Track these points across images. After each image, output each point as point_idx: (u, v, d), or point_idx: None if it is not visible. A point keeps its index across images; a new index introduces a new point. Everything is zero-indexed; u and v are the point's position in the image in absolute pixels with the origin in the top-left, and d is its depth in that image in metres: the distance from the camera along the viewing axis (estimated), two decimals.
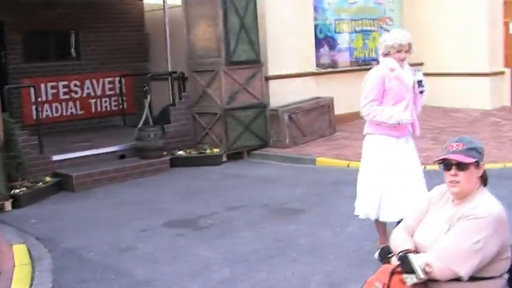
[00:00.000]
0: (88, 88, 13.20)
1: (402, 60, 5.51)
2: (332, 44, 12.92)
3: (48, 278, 5.67)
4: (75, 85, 13.03)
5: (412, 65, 5.76)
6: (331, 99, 12.01)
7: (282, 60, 11.69)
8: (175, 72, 12.06)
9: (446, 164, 3.11)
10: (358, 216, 5.85)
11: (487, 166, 3.28)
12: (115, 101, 13.55)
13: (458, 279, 2.95)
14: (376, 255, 3.40)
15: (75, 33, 13.34)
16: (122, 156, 10.40)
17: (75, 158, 9.92)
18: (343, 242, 6.17)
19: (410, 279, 2.97)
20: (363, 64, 13.29)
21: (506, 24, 14.14)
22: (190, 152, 10.80)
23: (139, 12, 14.04)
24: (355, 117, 12.45)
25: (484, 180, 3.16)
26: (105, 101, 13.48)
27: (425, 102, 5.73)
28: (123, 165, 9.90)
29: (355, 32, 13.34)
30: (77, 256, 6.26)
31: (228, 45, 10.65)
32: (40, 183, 8.93)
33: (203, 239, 6.58)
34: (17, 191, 8.48)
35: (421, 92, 5.57)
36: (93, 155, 10.14)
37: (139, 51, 13.88)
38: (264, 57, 11.32)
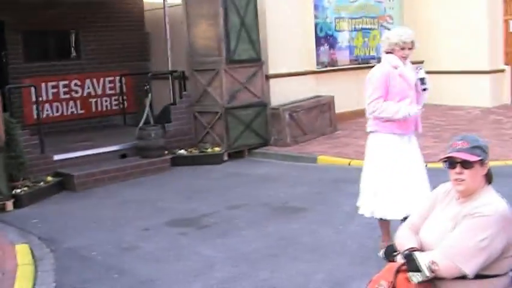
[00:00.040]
0: (88, 87, 13.20)
1: (405, 57, 5.51)
2: (332, 42, 12.91)
3: (51, 278, 5.68)
4: (76, 84, 13.03)
5: (412, 63, 5.75)
6: (332, 98, 12.02)
7: (282, 58, 11.68)
8: (175, 71, 12.06)
9: (451, 162, 3.11)
10: (363, 215, 5.83)
11: None
12: (115, 100, 13.55)
13: (463, 277, 2.95)
14: (382, 253, 3.40)
15: (75, 33, 13.34)
16: (123, 156, 10.40)
17: (76, 157, 9.92)
18: (346, 240, 6.17)
19: (416, 277, 2.96)
20: (363, 62, 13.32)
21: (506, 22, 14.16)
22: (191, 151, 10.80)
23: (139, 11, 14.03)
24: (355, 116, 12.50)
25: (488, 178, 3.16)
26: (106, 101, 13.48)
27: (426, 100, 5.72)
28: (124, 165, 9.90)
29: (356, 30, 13.34)
30: (79, 256, 6.25)
31: (229, 44, 10.65)
32: (41, 183, 8.92)
33: (205, 238, 6.58)
34: (19, 191, 8.47)
35: (424, 90, 5.55)
36: (94, 154, 10.14)
37: (140, 50, 13.88)
38: (265, 56, 11.32)
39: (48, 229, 7.25)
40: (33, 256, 6.15)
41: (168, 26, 12.29)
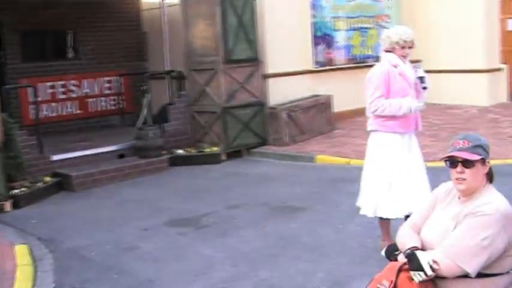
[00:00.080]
0: (86, 87, 13.17)
1: (405, 56, 5.52)
2: (330, 41, 12.91)
3: (50, 279, 5.67)
4: (73, 84, 13.01)
5: (410, 62, 5.75)
6: (330, 97, 12.02)
7: (280, 58, 11.68)
8: (173, 71, 12.06)
9: (453, 162, 3.12)
10: (365, 215, 5.83)
11: None
12: (113, 100, 13.53)
13: (465, 276, 2.96)
14: (383, 252, 3.41)
15: (73, 33, 13.31)
16: (121, 156, 10.39)
17: (75, 157, 9.92)
18: (345, 240, 6.18)
19: (417, 276, 2.97)
20: (361, 62, 13.32)
21: (503, 21, 14.18)
22: (189, 151, 10.80)
23: (137, 11, 14.01)
24: (353, 115, 12.51)
25: (490, 177, 3.17)
26: (104, 101, 13.45)
27: (426, 99, 5.72)
28: (122, 165, 9.89)
29: (353, 29, 13.34)
30: (78, 256, 6.25)
31: (227, 43, 10.65)
32: (40, 183, 8.92)
33: (205, 238, 6.58)
34: (17, 191, 8.47)
35: (424, 89, 5.56)
36: (92, 154, 10.13)
37: (137, 50, 13.86)
38: (263, 56, 11.32)
39: (47, 229, 7.24)
40: (33, 256, 6.14)
41: (165, 26, 12.27)
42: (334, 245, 6.05)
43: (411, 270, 3.01)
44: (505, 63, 13.97)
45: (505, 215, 2.98)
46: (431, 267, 2.96)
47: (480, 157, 3.08)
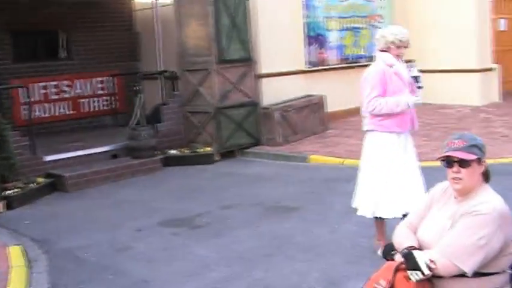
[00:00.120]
0: (79, 88, 13.14)
1: (400, 56, 5.53)
2: (323, 41, 12.93)
3: (45, 280, 5.66)
4: (66, 85, 12.97)
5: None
6: (323, 97, 12.04)
7: (273, 58, 11.69)
8: (166, 71, 12.04)
9: (449, 161, 3.13)
10: (357, 214, 5.84)
11: None
12: (106, 100, 13.50)
13: (462, 276, 2.97)
14: (380, 252, 3.41)
15: (65, 33, 13.26)
16: (114, 156, 10.37)
17: (68, 158, 9.88)
18: (340, 239, 6.19)
19: (414, 275, 2.98)
20: (354, 62, 13.36)
21: (494, 21, 14.25)
22: (182, 151, 10.78)
23: (129, 11, 13.98)
24: (346, 115, 12.55)
25: (486, 176, 3.19)
26: (97, 101, 13.43)
27: (421, 98, 5.72)
28: (115, 165, 9.87)
29: (346, 29, 13.36)
30: (73, 257, 6.23)
31: (220, 43, 10.64)
32: (33, 184, 8.88)
33: (199, 238, 6.57)
34: (10, 192, 8.43)
35: (419, 88, 5.57)
36: (85, 155, 10.10)
37: (130, 50, 13.83)
38: (256, 56, 11.33)
39: (41, 230, 7.22)
40: (27, 258, 6.11)
41: (158, 26, 12.25)
42: (329, 245, 6.06)
43: (408, 269, 3.02)
44: (497, 63, 14.03)
45: (501, 214, 2.99)
46: (428, 266, 2.97)
47: (476, 157, 3.10)
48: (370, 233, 5.91)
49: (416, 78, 5.54)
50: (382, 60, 5.54)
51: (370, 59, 11.54)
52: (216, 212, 7.56)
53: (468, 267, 2.94)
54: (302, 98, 11.94)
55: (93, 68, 13.22)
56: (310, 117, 11.73)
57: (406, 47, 5.52)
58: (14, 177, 8.71)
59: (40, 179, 9.11)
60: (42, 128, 11.77)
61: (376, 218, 5.68)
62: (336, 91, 12.50)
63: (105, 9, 13.43)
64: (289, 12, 12.10)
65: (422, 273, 2.97)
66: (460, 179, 3.09)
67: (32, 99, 11.76)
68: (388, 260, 3.26)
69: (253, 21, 11.23)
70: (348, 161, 9.36)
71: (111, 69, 13.23)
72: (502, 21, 14.71)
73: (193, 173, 9.90)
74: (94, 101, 13.38)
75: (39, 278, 5.68)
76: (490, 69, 13.84)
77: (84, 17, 13.09)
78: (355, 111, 11.85)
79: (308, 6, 12.55)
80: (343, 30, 13.31)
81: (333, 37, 13.12)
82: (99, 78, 13.39)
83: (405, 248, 3.13)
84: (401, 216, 5.27)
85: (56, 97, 12.84)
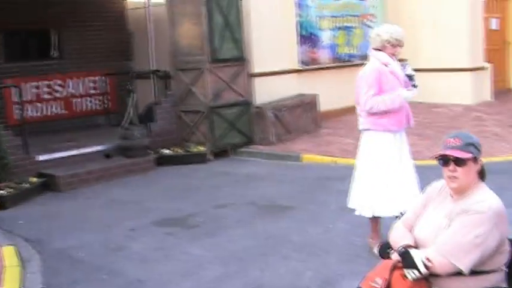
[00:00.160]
0: (71, 87, 13.09)
1: (394, 54, 5.55)
2: (315, 40, 12.94)
3: (39, 280, 5.63)
4: (58, 84, 12.92)
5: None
6: (316, 96, 12.05)
7: (266, 57, 11.68)
8: (159, 71, 12.01)
9: (445, 160, 3.13)
10: (355, 213, 5.85)
11: None
12: (99, 100, 13.46)
13: (459, 274, 2.98)
14: (376, 250, 3.42)
15: (57, 33, 13.22)
16: (107, 156, 10.33)
17: (61, 158, 9.84)
18: (334, 238, 6.20)
19: (411, 274, 2.98)
20: (346, 61, 13.38)
21: (486, 20, 14.29)
22: (176, 151, 10.76)
23: (122, 10, 13.94)
24: (339, 114, 12.56)
25: (482, 175, 3.20)
26: (89, 101, 13.39)
27: (414, 97, 5.72)
28: (109, 165, 9.85)
29: (338, 28, 13.38)
30: (67, 257, 6.21)
31: (213, 43, 10.63)
32: (26, 184, 8.83)
33: (194, 238, 6.57)
34: (3, 192, 8.38)
35: (414, 86, 5.59)
36: (78, 154, 10.07)
37: (123, 50, 13.78)
38: (249, 55, 11.32)
39: (35, 230, 7.18)
40: (20, 258, 6.08)
41: (151, 25, 12.23)
42: (323, 244, 6.07)
43: (405, 267, 3.02)
44: (488, 62, 14.08)
45: (497, 212, 3.00)
46: (424, 264, 2.98)
47: (472, 155, 3.11)
48: (364, 232, 5.92)
49: (410, 77, 5.56)
50: (377, 59, 5.54)
51: (363, 58, 11.53)
52: (210, 211, 7.55)
53: (464, 266, 2.95)
54: (295, 97, 11.95)
55: (85, 67, 13.17)
56: (303, 116, 11.73)
57: (401, 46, 5.53)
58: (7, 177, 8.67)
59: (33, 179, 9.07)
60: (35, 127, 11.71)
61: (373, 216, 5.69)
62: (328, 90, 12.52)
63: (98, 9, 13.38)
64: (282, 12, 12.10)
65: (419, 272, 2.98)
66: (456, 177, 3.10)
67: (24, 99, 11.71)
68: (384, 258, 3.27)
69: (246, 21, 11.23)
70: (341, 160, 9.39)
71: (104, 69, 13.19)
72: (494, 20, 14.77)
73: (187, 173, 9.89)
74: (87, 101, 13.34)
75: (33, 278, 5.66)
76: (482, 68, 13.89)
77: (77, 16, 13.04)
78: (348, 110, 11.89)
79: (301, 5, 12.56)
80: (335, 29, 13.33)
81: (325, 36, 13.13)
82: (92, 78, 13.35)
83: (402, 247, 3.14)
84: (396, 215, 5.28)
85: (49, 97, 12.80)
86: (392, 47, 5.50)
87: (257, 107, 11.27)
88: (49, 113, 12.80)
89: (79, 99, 13.21)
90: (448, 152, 3.11)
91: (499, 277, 3.06)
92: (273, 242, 6.25)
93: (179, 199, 8.28)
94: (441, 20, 13.74)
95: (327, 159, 9.78)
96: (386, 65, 5.49)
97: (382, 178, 5.54)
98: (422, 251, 3.07)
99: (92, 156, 10.12)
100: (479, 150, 3.16)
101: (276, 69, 11.93)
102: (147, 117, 11.28)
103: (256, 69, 11.55)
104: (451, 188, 3.16)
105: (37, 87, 12.61)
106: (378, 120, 5.52)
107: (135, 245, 6.47)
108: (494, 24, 14.77)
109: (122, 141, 10.25)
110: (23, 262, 5.99)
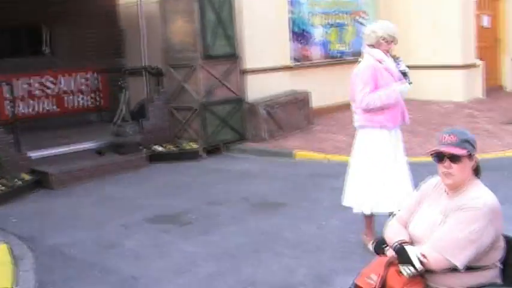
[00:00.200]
0: (63, 84, 13.03)
1: (388, 51, 5.56)
2: (308, 37, 12.95)
3: (32, 277, 5.60)
4: (49, 81, 12.86)
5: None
6: (308, 93, 12.06)
7: (258, 54, 11.69)
8: (151, 67, 11.98)
9: (440, 156, 3.14)
10: (345, 210, 5.86)
11: None
12: (91, 97, 13.41)
13: (454, 270, 2.99)
14: (371, 247, 3.43)
15: (49, 29, 13.15)
16: (100, 153, 10.30)
17: (53, 155, 9.82)
18: (328, 235, 6.20)
19: (406, 270, 3.00)
20: (338, 58, 13.40)
21: (478, 17, 14.34)
22: (168, 148, 10.75)
23: (114, 7, 13.89)
24: (331, 111, 12.59)
25: (477, 171, 3.20)
26: (81, 97, 13.33)
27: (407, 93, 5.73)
28: (101, 162, 9.82)
29: (330, 25, 13.39)
30: (60, 254, 6.19)
31: (205, 39, 10.62)
32: (18, 182, 8.80)
33: (187, 235, 6.56)
34: None
35: (409, 83, 5.60)
36: (70, 151, 10.04)
37: (115, 46, 13.72)
38: (241, 52, 11.32)
39: (28, 228, 7.16)
40: (13, 255, 6.06)
41: (143, 22, 12.20)
42: (317, 241, 6.07)
43: (400, 263, 3.04)
44: (480, 59, 14.13)
45: (492, 209, 3.01)
46: (420, 260, 2.99)
47: (467, 152, 3.11)
48: (357, 229, 5.94)
49: (404, 74, 5.58)
50: (371, 55, 5.55)
51: (355, 55, 11.58)
52: (203, 208, 7.54)
53: (460, 262, 2.96)
54: (287, 93, 11.95)
55: (77, 64, 13.10)
56: (295, 113, 11.74)
57: (395, 43, 5.55)
58: None
59: (25, 176, 9.02)
60: (27, 124, 11.65)
61: (367, 213, 5.71)
62: (321, 87, 12.54)
63: (90, 5, 13.32)
64: (274, 8, 12.10)
65: (414, 268, 2.99)
66: (451, 174, 3.11)
67: (16, 96, 11.63)
68: (379, 254, 3.28)
69: (238, 17, 11.23)
70: (334, 157, 9.40)
71: (96, 66, 13.14)
72: (485, 17, 14.81)
73: (180, 169, 9.88)
74: (78, 98, 13.28)
75: (26, 275, 5.63)
76: (473, 66, 13.94)
77: (68, 12, 12.96)
78: (340, 107, 11.92)
79: (293, 2, 12.56)
80: (327, 26, 13.34)
81: (317, 33, 13.14)
82: (84, 75, 13.29)
83: (397, 243, 3.15)
84: (391, 212, 5.28)
85: (40, 93, 12.74)
86: (387, 43, 5.51)
87: (249, 104, 11.26)
88: (41, 110, 12.74)
89: (71, 96, 13.15)
90: (443, 149, 3.11)
91: (493, 273, 3.08)
92: (265, 238, 6.25)
93: (172, 196, 8.27)
94: (433, 17, 13.78)
95: (319, 156, 9.79)
96: (380, 62, 5.49)
97: (379, 175, 5.54)
98: (417, 247, 3.08)
99: (84, 153, 10.10)
100: (474, 147, 3.16)
101: (269, 66, 11.94)
102: (139, 114, 11.26)
103: (249, 66, 11.55)
104: (446, 184, 3.17)
105: (29, 84, 12.54)
106: (373, 117, 5.52)
107: (128, 242, 6.46)
108: (485, 21, 14.82)
109: (114, 138, 10.24)
110: (16, 260, 5.97)
